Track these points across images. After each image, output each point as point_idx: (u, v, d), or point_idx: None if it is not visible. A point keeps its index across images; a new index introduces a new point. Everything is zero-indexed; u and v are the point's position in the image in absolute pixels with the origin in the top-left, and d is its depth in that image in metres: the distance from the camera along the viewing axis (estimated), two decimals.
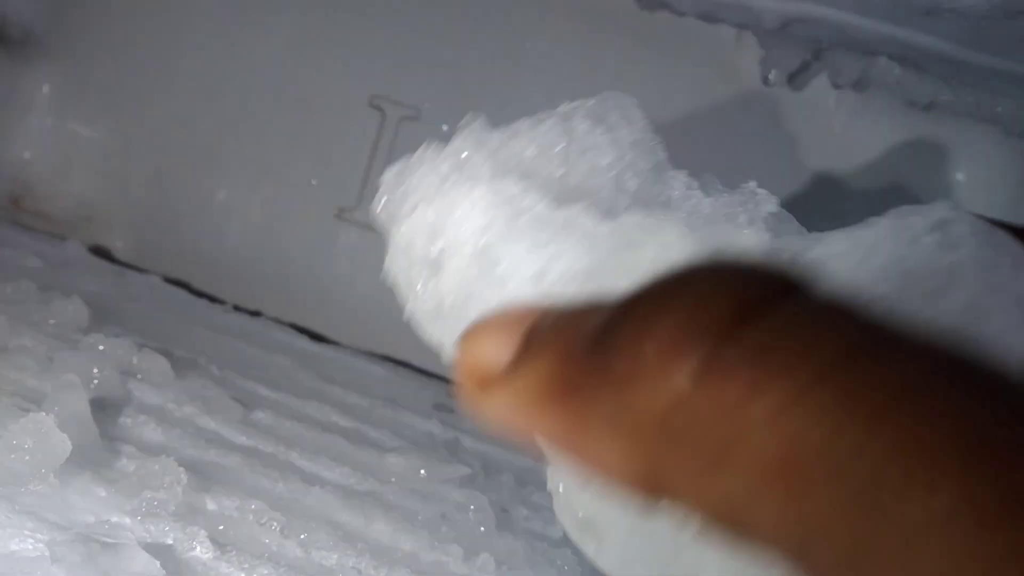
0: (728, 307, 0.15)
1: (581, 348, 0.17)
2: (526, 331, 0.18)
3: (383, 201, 0.34)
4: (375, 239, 1.07)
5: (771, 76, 0.91)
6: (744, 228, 0.32)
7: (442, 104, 1.00)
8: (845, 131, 0.95)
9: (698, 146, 0.93)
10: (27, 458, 0.45)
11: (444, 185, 0.33)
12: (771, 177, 0.99)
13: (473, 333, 0.19)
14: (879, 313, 0.15)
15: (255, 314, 0.95)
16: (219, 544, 0.47)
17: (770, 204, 0.34)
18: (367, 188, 1.01)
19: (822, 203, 0.95)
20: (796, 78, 0.92)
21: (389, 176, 0.34)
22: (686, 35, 0.92)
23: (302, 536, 0.50)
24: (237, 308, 0.95)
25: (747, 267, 0.16)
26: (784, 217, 0.34)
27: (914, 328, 0.14)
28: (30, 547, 0.41)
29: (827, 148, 0.94)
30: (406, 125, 1.01)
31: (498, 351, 0.18)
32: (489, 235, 0.30)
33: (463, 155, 0.34)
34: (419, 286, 0.33)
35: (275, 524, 0.50)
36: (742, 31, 0.90)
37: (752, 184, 0.36)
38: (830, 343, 0.14)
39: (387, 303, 0.40)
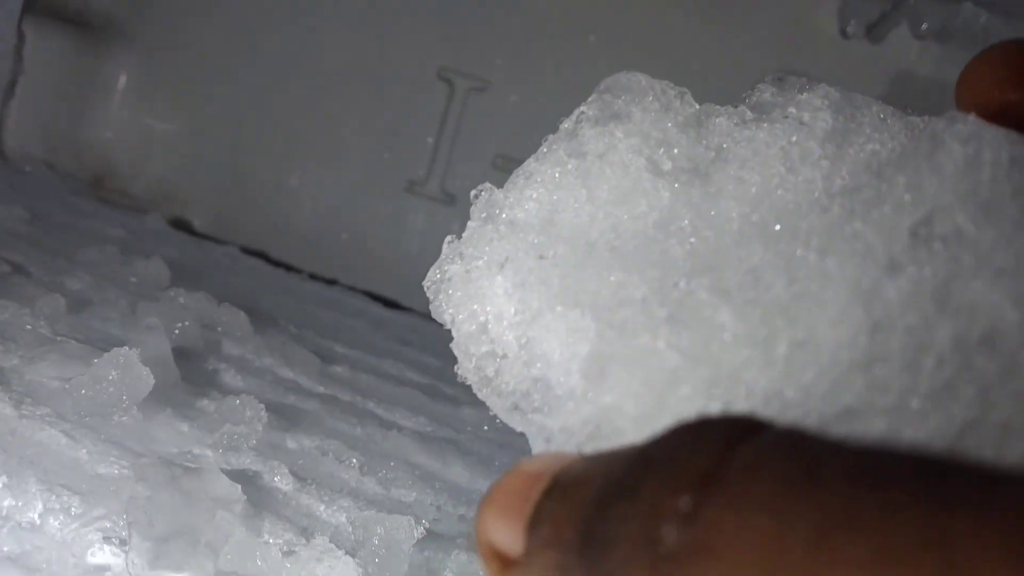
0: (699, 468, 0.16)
1: (575, 544, 0.18)
2: (531, 514, 0.19)
3: (433, 306, 0.34)
4: (444, 211, 1.07)
5: (849, 28, 0.88)
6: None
7: (510, 75, 0.99)
8: (927, 85, 0.91)
9: None
10: (111, 389, 0.45)
11: (470, 278, 0.32)
12: None
13: (485, 511, 0.21)
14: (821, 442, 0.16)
15: (331, 282, 0.96)
16: (299, 478, 0.47)
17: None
18: (436, 161, 1.01)
19: None
20: (875, 29, 0.89)
21: (432, 276, 0.34)
22: None
23: (381, 473, 0.50)
24: (313, 276, 0.96)
25: (709, 423, 0.17)
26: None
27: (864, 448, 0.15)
28: (116, 472, 0.42)
29: (908, 104, 0.90)
30: (474, 96, 1.01)
31: (508, 535, 0.20)
32: (522, 326, 0.30)
33: (477, 236, 0.33)
34: (483, 392, 0.33)
35: (354, 461, 0.50)
36: None
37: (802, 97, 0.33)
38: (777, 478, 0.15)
39: None
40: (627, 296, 0.27)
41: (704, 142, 0.31)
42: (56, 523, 0.37)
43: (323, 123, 1.04)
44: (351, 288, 0.96)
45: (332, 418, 0.57)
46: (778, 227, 0.26)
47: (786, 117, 0.29)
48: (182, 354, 0.59)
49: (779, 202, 0.28)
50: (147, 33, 1.09)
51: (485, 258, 0.32)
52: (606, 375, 0.25)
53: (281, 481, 0.46)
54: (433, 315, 0.34)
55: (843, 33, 0.88)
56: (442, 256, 0.34)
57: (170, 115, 1.09)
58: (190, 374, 0.57)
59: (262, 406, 0.50)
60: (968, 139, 0.24)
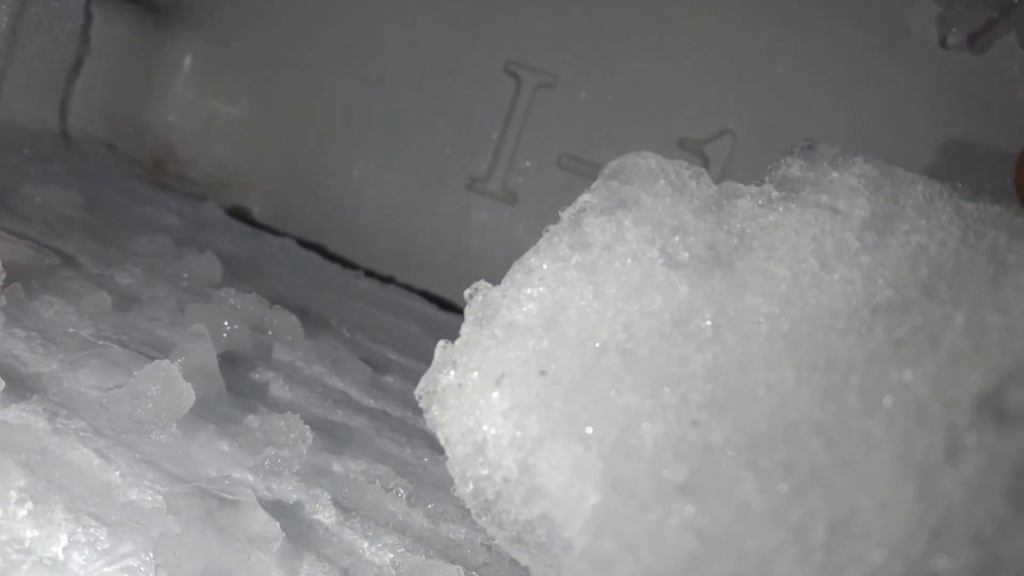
0: None
1: None
2: None
3: (426, 417, 0.32)
4: (505, 210, 1.02)
5: (950, 37, 0.82)
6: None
7: (580, 71, 0.95)
8: None
9: (862, 117, 0.85)
10: (150, 406, 0.43)
11: (464, 392, 0.29)
12: (944, 152, 0.89)
13: None
14: None
15: (387, 280, 0.94)
16: (343, 508, 0.44)
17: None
18: (499, 158, 0.97)
19: (1003, 181, 0.85)
20: (978, 39, 0.82)
21: (424, 386, 0.32)
22: None
23: (429, 506, 0.47)
24: (369, 273, 0.93)
25: None
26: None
27: None
28: (149, 498, 0.39)
29: (1011, 120, 0.84)
30: (542, 92, 0.97)
31: None
32: (523, 451, 0.27)
33: (472, 341, 0.30)
34: (483, 519, 0.30)
35: (401, 491, 0.47)
36: None
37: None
38: None
39: None
40: (638, 444, 0.24)
41: (725, 227, 0.27)
42: (81, 559, 0.34)
43: (386, 114, 1.01)
44: (408, 287, 0.93)
45: (381, 437, 0.54)
46: (811, 346, 0.22)
47: (818, 205, 0.25)
48: (229, 359, 0.57)
49: (812, 305, 0.24)
50: (213, 17, 1.07)
51: (480, 370, 0.29)
52: (614, 562, 0.22)
53: (323, 513, 0.43)
54: (428, 426, 0.32)
55: (942, 43, 0.82)
56: (434, 363, 0.31)
57: (233, 100, 1.07)
58: (236, 382, 0.54)
59: (307, 427, 0.47)
60: None
